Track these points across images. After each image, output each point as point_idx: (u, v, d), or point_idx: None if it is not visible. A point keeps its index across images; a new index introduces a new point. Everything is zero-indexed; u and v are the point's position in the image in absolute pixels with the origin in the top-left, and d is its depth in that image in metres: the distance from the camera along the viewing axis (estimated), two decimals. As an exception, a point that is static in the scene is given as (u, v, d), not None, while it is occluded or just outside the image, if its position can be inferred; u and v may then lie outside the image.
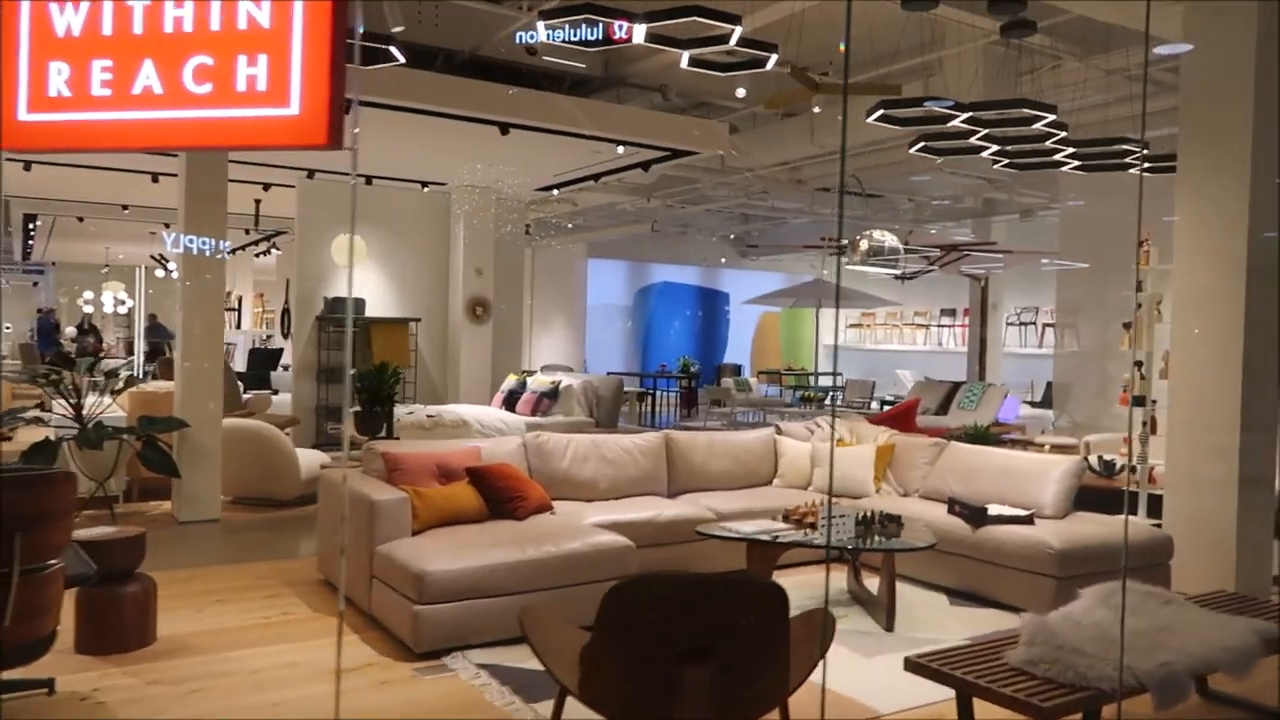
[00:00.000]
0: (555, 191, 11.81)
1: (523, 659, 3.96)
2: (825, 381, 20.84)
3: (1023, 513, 5.44)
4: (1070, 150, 6.46)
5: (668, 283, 21.86)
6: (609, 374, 11.46)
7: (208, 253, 7.17)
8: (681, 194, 13.87)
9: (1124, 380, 6.23)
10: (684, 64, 5.29)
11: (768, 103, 7.53)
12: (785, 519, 5.37)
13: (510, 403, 10.48)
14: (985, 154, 6.46)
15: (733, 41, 4.98)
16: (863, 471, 6.45)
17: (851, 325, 22.81)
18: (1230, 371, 5.46)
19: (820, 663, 2.97)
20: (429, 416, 9.30)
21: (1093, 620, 3.49)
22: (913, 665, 3.13)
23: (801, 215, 17.26)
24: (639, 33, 5.03)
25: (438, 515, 4.91)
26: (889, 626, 4.81)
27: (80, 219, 15.80)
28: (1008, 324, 18.04)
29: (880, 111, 5.51)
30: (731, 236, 17.63)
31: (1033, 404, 14.52)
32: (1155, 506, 6.09)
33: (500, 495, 5.23)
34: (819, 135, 9.81)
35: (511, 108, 8.25)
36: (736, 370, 21.23)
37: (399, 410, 9.71)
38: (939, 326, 20.73)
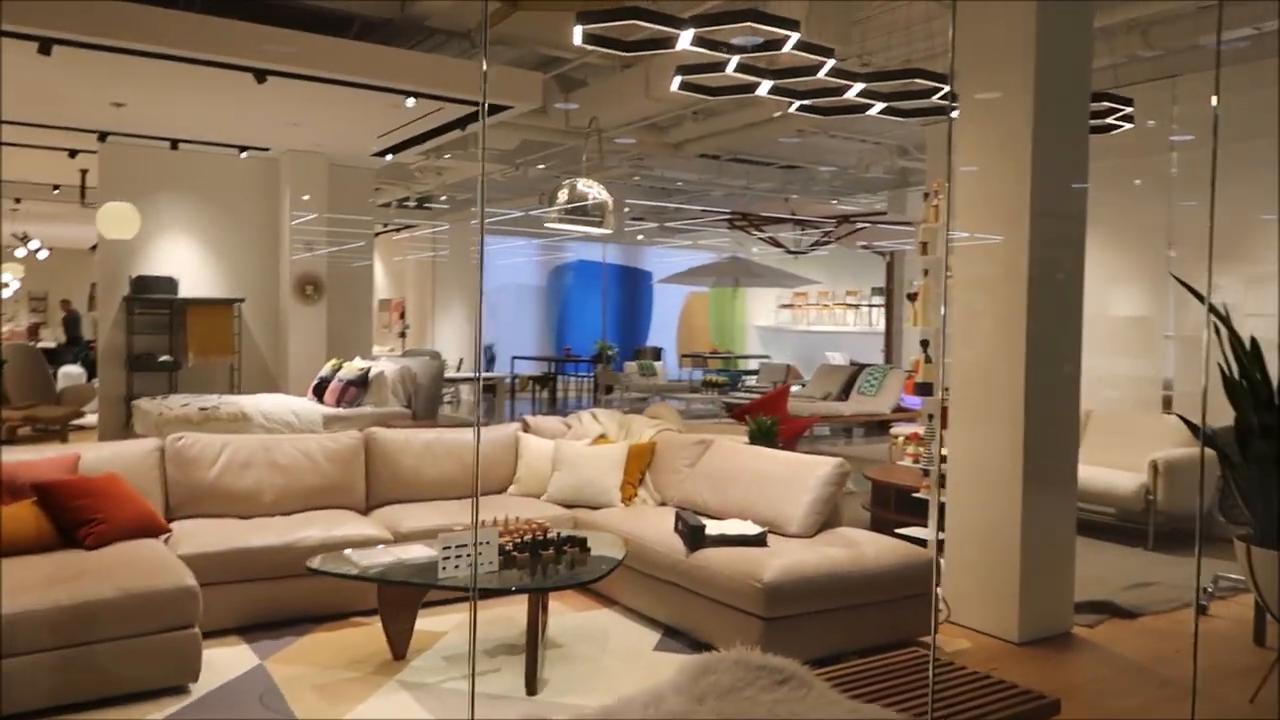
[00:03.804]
0: (389, 157, 10.60)
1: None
2: (753, 365, 19.71)
3: (752, 531, 4.31)
4: (862, 87, 5.29)
5: (584, 261, 20.56)
6: (433, 358, 10.26)
7: None
8: (552, 160, 12.66)
9: (910, 364, 5.12)
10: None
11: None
12: (452, 542, 4.25)
13: (321, 392, 9.33)
14: (759, 91, 5.30)
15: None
16: (608, 477, 5.31)
17: (783, 306, 21.62)
18: (1013, 347, 4.35)
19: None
20: (202, 409, 8.13)
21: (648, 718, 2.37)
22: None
23: (716, 188, 16.10)
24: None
25: (-40, 547, 3.78)
26: (530, 689, 3.68)
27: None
28: (937, 303, 16.88)
29: (580, 28, 4.37)
30: (627, 210, 16.43)
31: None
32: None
33: (70, 519, 4.09)
34: (655, 87, 8.63)
35: (262, 51, 7.06)
36: (656, 354, 20.09)
37: (173, 401, 8.52)
38: (869, 306, 19.56)
